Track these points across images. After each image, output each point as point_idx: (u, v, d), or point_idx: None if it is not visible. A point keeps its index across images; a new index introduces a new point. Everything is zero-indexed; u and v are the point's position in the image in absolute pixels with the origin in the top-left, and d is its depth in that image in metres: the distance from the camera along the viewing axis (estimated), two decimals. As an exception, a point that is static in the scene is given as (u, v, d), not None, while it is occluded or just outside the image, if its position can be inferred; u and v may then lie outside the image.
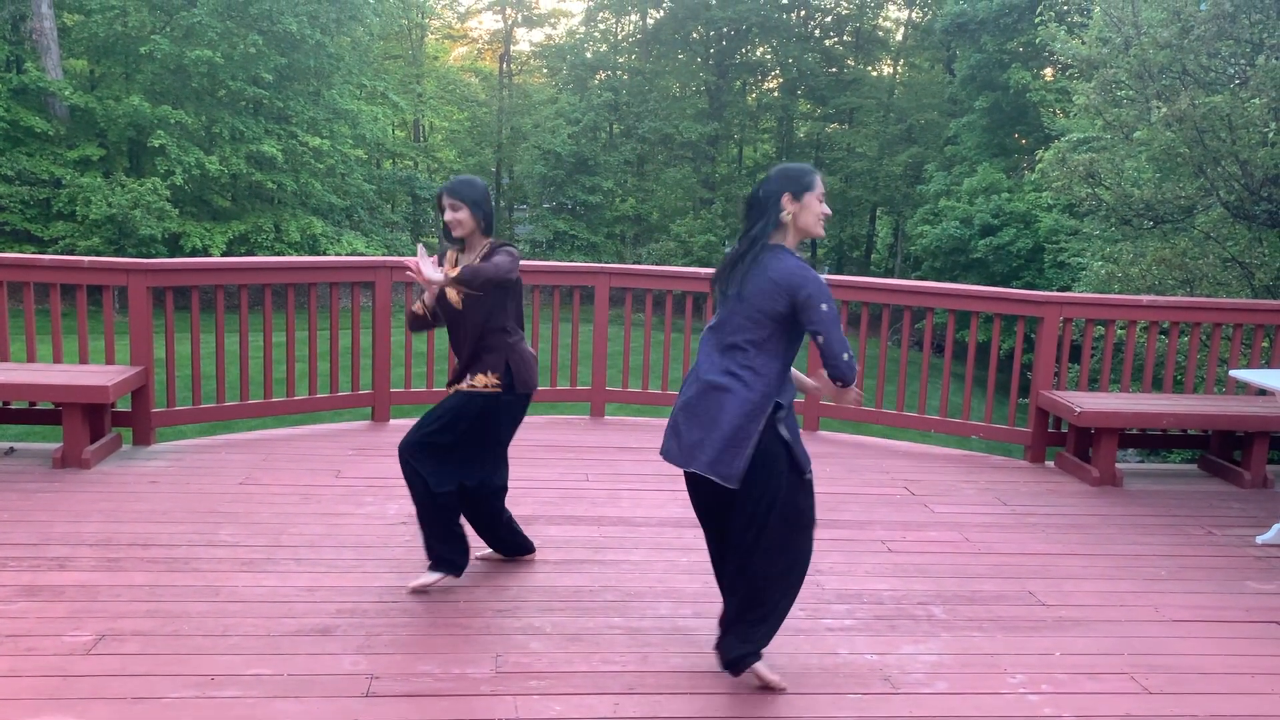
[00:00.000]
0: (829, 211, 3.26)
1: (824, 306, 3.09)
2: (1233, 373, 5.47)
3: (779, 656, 3.49)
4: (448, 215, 3.87)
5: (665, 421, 6.88)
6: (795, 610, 3.88)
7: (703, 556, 4.34)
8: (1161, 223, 12.57)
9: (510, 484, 5.29)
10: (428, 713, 3.03)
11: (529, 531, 4.58)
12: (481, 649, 3.43)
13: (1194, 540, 4.94)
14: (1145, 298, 6.38)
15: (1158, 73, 10.97)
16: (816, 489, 5.34)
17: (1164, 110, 10.64)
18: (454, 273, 3.65)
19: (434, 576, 3.89)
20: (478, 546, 4.21)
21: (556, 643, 3.51)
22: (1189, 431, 6.35)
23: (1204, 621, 3.96)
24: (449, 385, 4.03)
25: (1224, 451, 6.20)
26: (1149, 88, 11.17)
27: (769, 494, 3.15)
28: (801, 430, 6.71)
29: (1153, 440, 6.52)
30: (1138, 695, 3.34)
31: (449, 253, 4.04)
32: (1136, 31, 11.07)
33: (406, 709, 3.04)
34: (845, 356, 3.12)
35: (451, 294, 3.84)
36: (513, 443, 6.31)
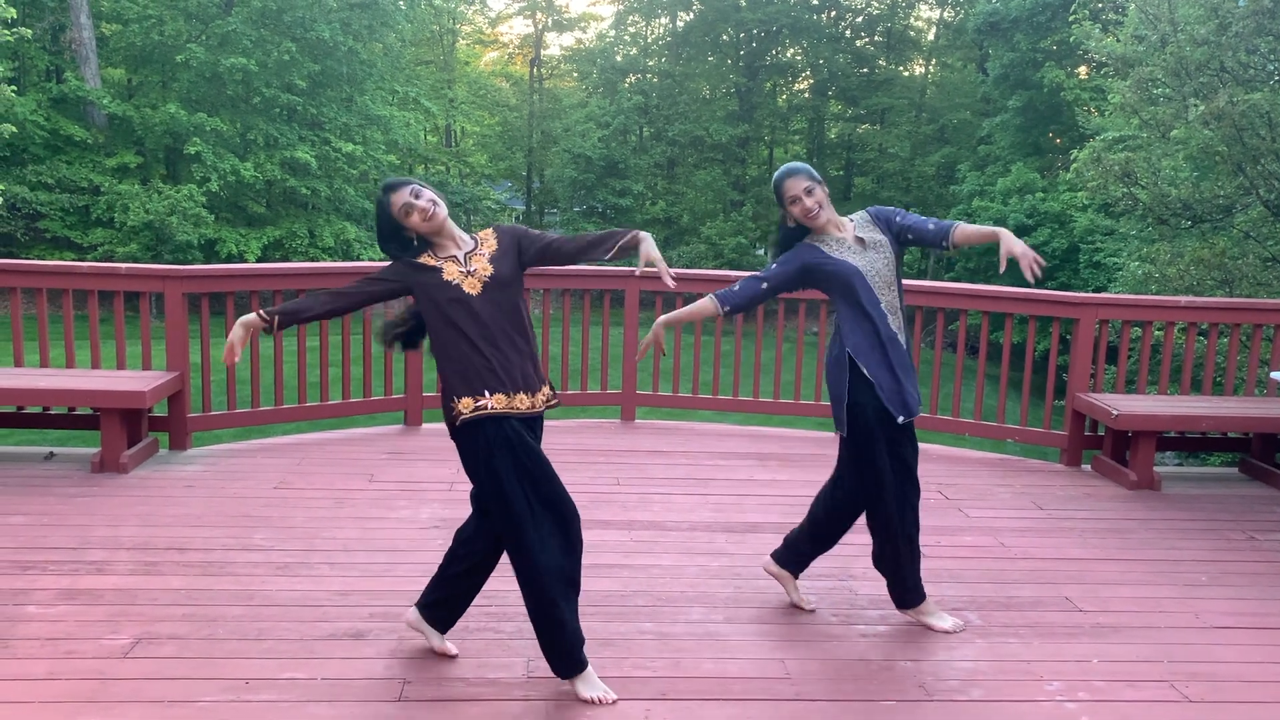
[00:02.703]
0: (808, 206, 3.58)
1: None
2: (1274, 374, 5.39)
3: (811, 663, 3.47)
4: (420, 203, 3.09)
5: (696, 425, 6.88)
6: (828, 615, 3.86)
7: (733, 561, 4.32)
8: (1199, 222, 12.41)
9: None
10: (460, 718, 3.03)
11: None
12: (514, 654, 3.43)
13: (1235, 545, 4.85)
14: (1183, 298, 6.29)
15: (1195, 70, 10.83)
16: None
17: (1202, 108, 10.51)
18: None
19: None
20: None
21: (588, 648, 3.48)
22: (1229, 434, 6.25)
23: (1245, 628, 3.88)
24: (519, 397, 3.12)
25: (1265, 454, 6.09)
26: (1186, 85, 11.03)
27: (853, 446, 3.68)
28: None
29: (1191, 443, 6.41)
30: (1178, 703, 3.28)
31: (425, 255, 3.14)
32: (1173, 28, 10.94)
33: (439, 714, 3.04)
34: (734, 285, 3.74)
35: (471, 282, 3.12)
36: (543, 447, 6.34)
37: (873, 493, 3.65)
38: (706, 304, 3.70)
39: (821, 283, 3.64)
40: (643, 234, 3.18)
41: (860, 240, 3.63)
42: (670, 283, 3.23)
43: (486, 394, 3.08)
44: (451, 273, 3.12)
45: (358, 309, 3.31)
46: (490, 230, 3.30)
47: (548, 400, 3.28)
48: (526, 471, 3.09)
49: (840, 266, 3.58)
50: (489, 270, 3.16)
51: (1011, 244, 3.41)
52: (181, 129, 26.38)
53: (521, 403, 3.14)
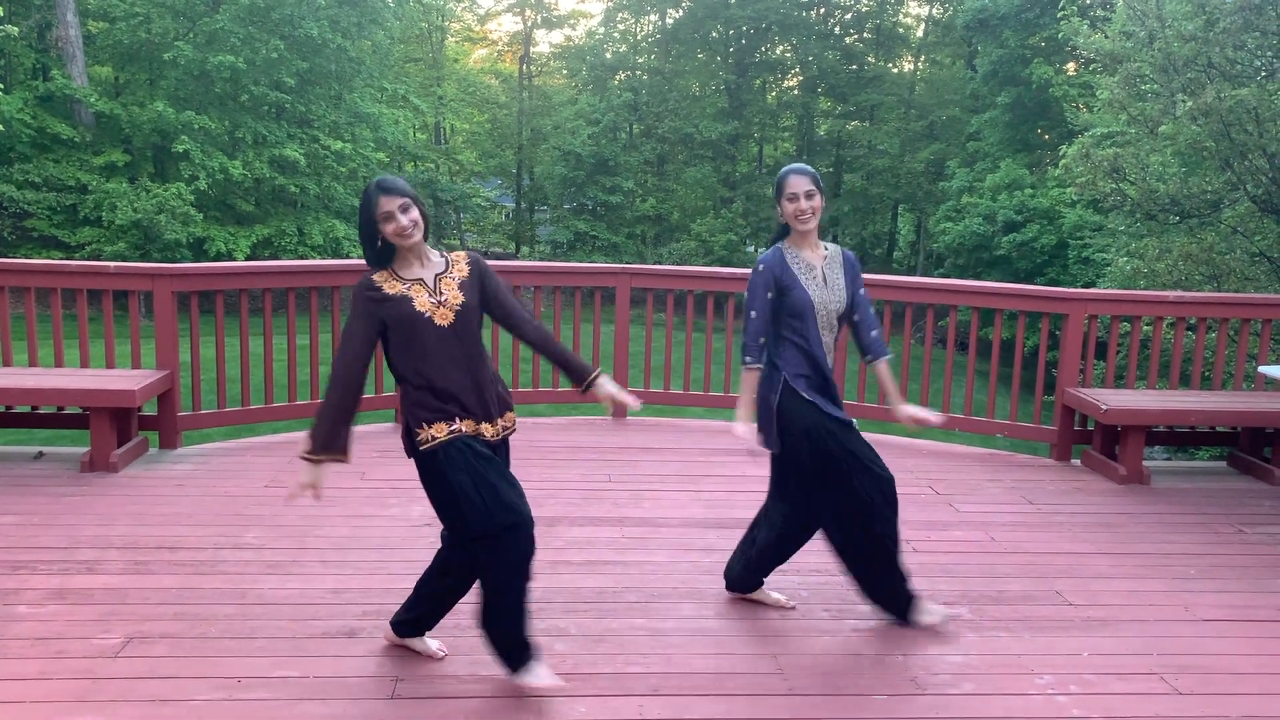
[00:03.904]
0: (803, 208, 3.57)
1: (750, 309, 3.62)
2: (1261, 368, 5.41)
3: (803, 657, 3.48)
4: (402, 221, 3.00)
5: (688, 421, 6.85)
6: (819, 610, 3.87)
7: (725, 557, 4.31)
8: (1187, 217, 12.46)
9: (534, 485, 5.31)
10: (452, 715, 3.03)
11: (553, 533, 4.59)
12: (506, 650, 3.43)
13: (1223, 538, 4.88)
14: (1172, 293, 6.32)
15: (1183, 66, 10.87)
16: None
17: (1189, 104, 10.56)
18: (457, 299, 3.05)
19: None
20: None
21: (581, 644, 3.51)
22: (1217, 428, 6.28)
23: (1235, 621, 3.91)
24: (483, 426, 3.09)
25: (1253, 448, 6.12)
26: (1174, 81, 11.08)
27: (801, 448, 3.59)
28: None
29: (1180, 437, 6.45)
30: (1168, 696, 3.30)
31: (385, 275, 3.08)
32: (1161, 25, 10.98)
33: (431, 711, 3.05)
34: (744, 341, 3.66)
35: (443, 312, 3.07)
36: (535, 444, 6.38)
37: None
38: (749, 376, 3.67)
39: (783, 299, 3.61)
40: (601, 375, 3.25)
41: (825, 276, 3.64)
42: (635, 405, 3.33)
43: (458, 421, 3.04)
44: (423, 304, 3.05)
45: (367, 363, 3.16)
46: (463, 254, 3.23)
47: (507, 428, 3.22)
48: (484, 478, 3.01)
49: (801, 296, 3.59)
50: (460, 299, 3.09)
51: (907, 412, 3.70)
52: (169, 127, 26.26)
53: (486, 430, 3.10)
